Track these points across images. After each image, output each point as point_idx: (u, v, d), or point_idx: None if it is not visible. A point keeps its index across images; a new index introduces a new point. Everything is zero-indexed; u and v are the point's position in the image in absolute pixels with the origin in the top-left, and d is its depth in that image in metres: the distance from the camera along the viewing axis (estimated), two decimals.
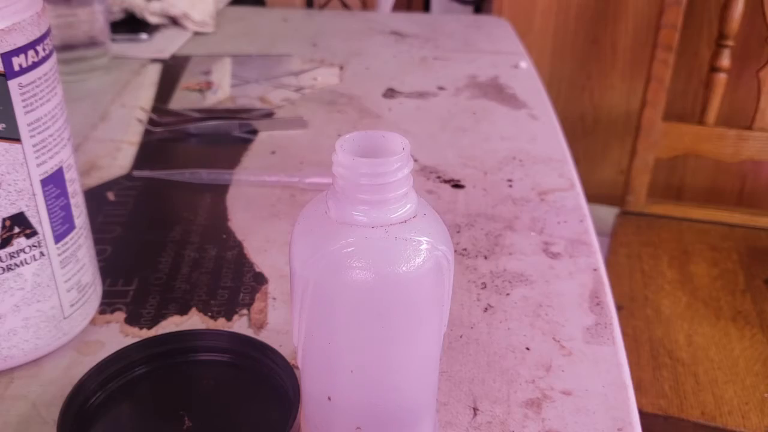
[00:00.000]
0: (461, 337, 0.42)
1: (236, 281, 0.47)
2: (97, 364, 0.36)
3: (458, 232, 0.52)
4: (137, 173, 0.61)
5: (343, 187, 0.27)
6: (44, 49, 0.36)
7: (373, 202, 0.27)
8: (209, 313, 0.44)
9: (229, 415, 0.34)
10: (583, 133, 1.61)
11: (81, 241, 0.40)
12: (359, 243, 0.26)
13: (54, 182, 0.37)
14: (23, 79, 0.34)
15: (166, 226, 0.54)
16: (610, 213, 1.31)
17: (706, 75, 1.23)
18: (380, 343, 0.28)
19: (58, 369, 0.40)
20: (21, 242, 0.36)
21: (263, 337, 0.41)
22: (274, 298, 0.45)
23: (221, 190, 0.59)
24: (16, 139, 0.35)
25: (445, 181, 0.60)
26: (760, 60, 1.20)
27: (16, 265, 0.37)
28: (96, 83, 0.80)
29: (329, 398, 0.29)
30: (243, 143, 0.66)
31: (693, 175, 1.69)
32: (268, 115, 0.72)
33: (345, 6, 1.69)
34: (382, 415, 0.30)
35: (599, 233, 0.54)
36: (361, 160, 0.26)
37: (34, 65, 0.35)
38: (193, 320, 0.44)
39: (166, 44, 0.91)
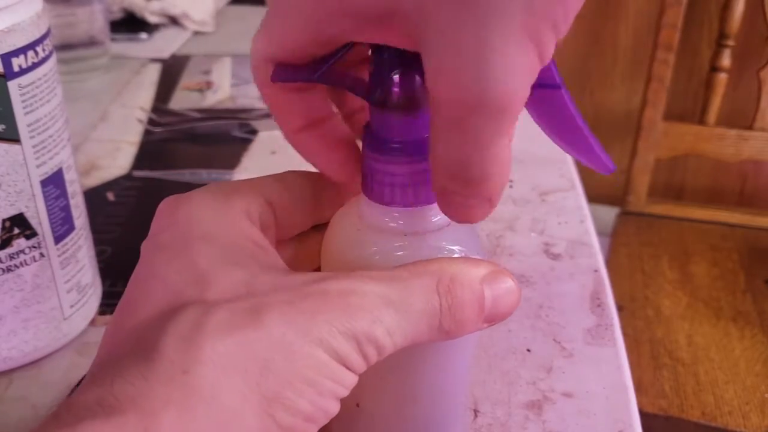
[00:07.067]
0: None
1: None
2: None
3: None
4: (137, 173, 0.61)
5: None
6: (44, 50, 0.36)
7: (408, 209, 0.26)
8: None
9: None
10: None
11: (81, 241, 0.40)
12: (391, 251, 0.26)
13: (54, 183, 0.37)
14: (23, 79, 0.34)
15: None
16: (610, 213, 1.31)
17: (706, 75, 1.23)
18: (412, 350, 0.27)
19: (58, 370, 0.40)
20: (21, 243, 0.36)
21: None
22: None
23: None
24: (16, 140, 0.35)
25: None
26: (760, 60, 1.20)
27: (15, 266, 0.37)
28: (96, 83, 0.80)
29: (357, 404, 0.28)
30: (243, 143, 0.66)
31: (693, 175, 1.69)
32: (268, 115, 0.72)
33: None
34: (412, 423, 0.29)
35: (599, 233, 0.54)
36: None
37: (34, 66, 0.35)
38: None
39: (166, 44, 0.91)
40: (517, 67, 0.19)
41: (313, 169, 0.29)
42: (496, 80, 0.19)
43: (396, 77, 0.23)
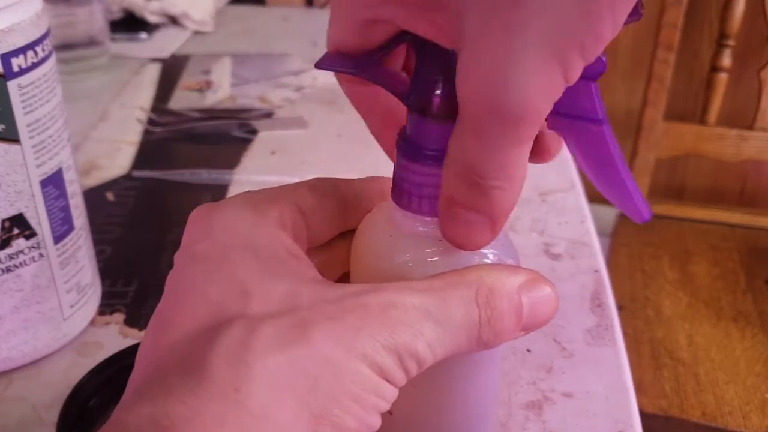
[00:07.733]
0: None
1: None
2: (97, 366, 0.36)
3: None
4: (137, 173, 0.61)
5: None
6: (44, 50, 0.36)
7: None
8: None
9: None
10: None
11: (80, 242, 0.40)
12: (424, 257, 0.25)
13: (53, 183, 0.37)
14: (23, 79, 0.34)
15: (166, 226, 0.54)
16: (610, 213, 1.31)
17: (707, 75, 1.23)
18: (448, 360, 0.25)
19: (58, 371, 0.40)
20: (20, 243, 0.36)
21: None
22: None
23: (221, 190, 0.58)
24: (16, 140, 0.35)
25: None
26: (761, 59, 1.20)
27: (15, 266, 0.37)
28: (95, 83, 0.80)
29: (390, 413, 0.27)
30: (243, 143, 0.66)
31: (694, 175, 1.69)
32: (268, 115, 0.72)
33: None
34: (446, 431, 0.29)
35: (600, 233, 0.54)
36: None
37: (34, 66, 0.35)
38: None
39: (166, 43, 0.91)
40: (538, 81, 0.20)
41: (337, 176, 0.28)
42: (514, 89, 0.20)
43: (437, 84, 0.23)
